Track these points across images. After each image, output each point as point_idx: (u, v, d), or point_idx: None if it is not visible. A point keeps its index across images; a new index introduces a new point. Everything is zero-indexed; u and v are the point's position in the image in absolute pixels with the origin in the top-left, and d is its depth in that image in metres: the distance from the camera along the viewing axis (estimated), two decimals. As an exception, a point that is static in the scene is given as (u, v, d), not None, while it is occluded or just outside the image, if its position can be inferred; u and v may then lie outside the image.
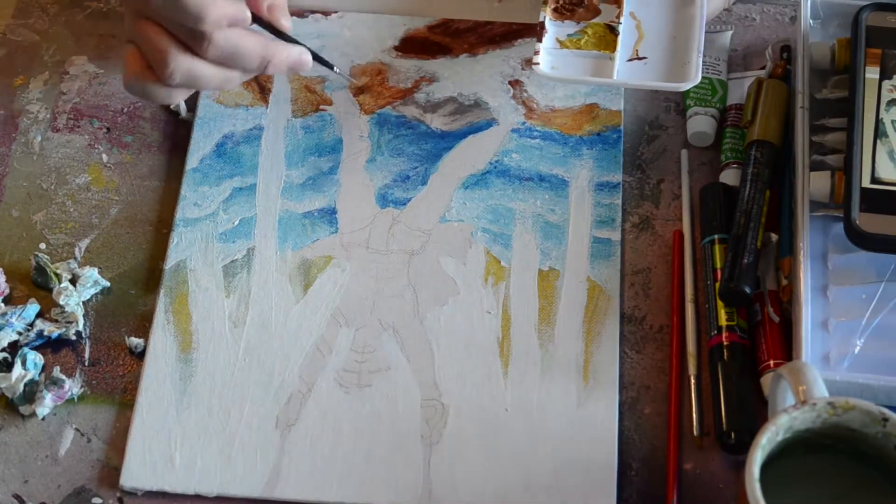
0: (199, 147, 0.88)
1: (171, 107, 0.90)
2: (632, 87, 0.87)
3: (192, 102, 0.90)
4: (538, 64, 0.85)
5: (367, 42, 0.93)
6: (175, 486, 0.74)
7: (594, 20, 0.88)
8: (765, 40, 0.93)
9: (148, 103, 0.89)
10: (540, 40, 0.86)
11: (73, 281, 0.82)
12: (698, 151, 0.88)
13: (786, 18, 0.94)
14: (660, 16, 0.88)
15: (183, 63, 0.75)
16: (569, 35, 0.88)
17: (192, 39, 0.74)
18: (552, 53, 0.87)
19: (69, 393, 0.78)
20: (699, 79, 0.83)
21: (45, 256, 0.83)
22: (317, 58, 0.80)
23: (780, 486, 0.68)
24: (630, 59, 0.86)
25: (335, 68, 0.83)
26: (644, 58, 0.86)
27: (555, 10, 0.88)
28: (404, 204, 0.85)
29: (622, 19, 0.88)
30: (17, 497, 0.75)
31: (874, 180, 0.78)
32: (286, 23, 0.79)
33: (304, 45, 0.79)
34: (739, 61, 0.92)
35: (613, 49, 0.86)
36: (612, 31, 0.87)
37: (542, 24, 0.87)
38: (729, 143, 0.87)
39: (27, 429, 0.77)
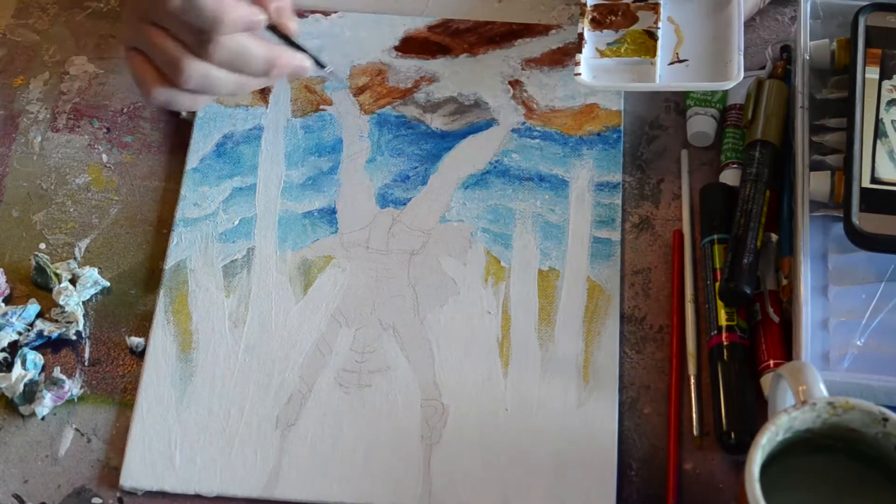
0: (199, 147, 0.88)
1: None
2: (676, 89, 0.87)
3: (192, 102, 0.90)
4: (580, 74, 0.85)
5: (367, 42, 0.93)
6: (175, 486, 0.74)
7: (632, 27, 0.88)
8: (765, 40, 0.93)
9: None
10: (579, 51, 0.86)
11: (73, 281, 0.82)
12: (698, 151, 0.88)
13: (786, 18, 0.94)
14: (697, 19, 0.89)
15: (198, 68, 0.75)
16: (608, 44, 0.88)
17: (199, 44, 0.74)
18: (592, 63, 0.87)
19: (69, 393, 0.78)
20: (742, 77, 0.83)
21: (45, 256, 0.83)
22: (315, 61, 0.81)
23: (780, 486, 0.68)
24: (671, 63, 0.86)
25: (328, 68, 0.83)
26: (685, 60, 0.86)
27: (592, 20, 0.88)
28: (404, 204, 0.85)
29: (660, 24, 0.88)
30: (17, 497, 0.75)
31: (874, 180, 0.78)
32: (293, 26, 0.79)
33: (305, 49, 0.80)
34: (739, 61, 0.92)
35: (654, 54, 0.86)
36: (652, 36, 0.87)
37: (580, 36, 0.87)
38: (729, 143, 0.86)
39: (27, 429, 0.77)
